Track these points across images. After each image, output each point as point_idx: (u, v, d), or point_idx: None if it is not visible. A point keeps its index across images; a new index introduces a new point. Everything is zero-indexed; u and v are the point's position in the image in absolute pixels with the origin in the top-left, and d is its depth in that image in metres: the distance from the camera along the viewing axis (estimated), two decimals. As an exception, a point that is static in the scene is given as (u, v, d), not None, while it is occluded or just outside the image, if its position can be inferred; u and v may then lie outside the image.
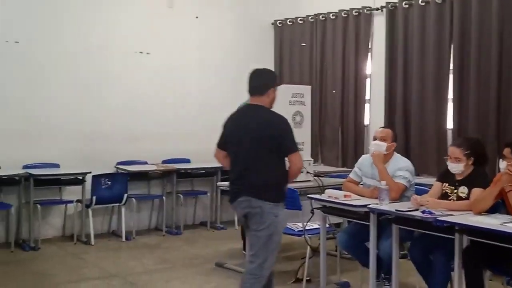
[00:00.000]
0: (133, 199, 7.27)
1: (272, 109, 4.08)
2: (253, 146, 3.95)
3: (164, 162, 7.83)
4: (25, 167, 6.78)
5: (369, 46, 7.65)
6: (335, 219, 5.24)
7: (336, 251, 5.77)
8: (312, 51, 8.26)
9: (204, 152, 8.05)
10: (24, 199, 6.72)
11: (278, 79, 4.35)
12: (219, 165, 7.56)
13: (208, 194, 8.01)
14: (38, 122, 6.98)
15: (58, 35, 7.14)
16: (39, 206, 6.66)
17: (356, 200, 4.64)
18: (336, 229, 5.67)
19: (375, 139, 4.97)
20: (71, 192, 7.07)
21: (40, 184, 6.65)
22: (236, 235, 7.11)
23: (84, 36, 7.31)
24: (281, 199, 3.97)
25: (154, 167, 7.57)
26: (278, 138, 3.92)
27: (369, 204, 4.42)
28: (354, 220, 4.80)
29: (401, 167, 4.83)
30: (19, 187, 6.66)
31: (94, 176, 6.82)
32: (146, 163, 7.71)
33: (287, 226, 5.35)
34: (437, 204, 4.20)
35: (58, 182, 6.97)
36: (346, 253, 5.60)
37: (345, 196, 4.64)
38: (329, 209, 4.78)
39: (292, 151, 3.94)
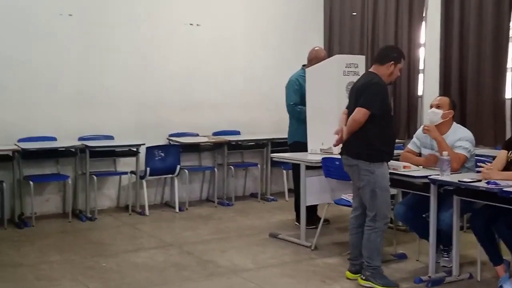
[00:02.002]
0: (186, 171, 7.32)
1: (381, 78, 4.36)
2: (351, 107, 4.39)
3: (215, 134, 7.86)
4: (81, 139, 6.89)
5: (423, 14, 7.44)
6: (390, 190, 5.16)
7: (391, 222, 5.72)
8: (363, 20, 8.10)
9: (253, 123, 8.17)
10: (80, 171, 6.85)
11: (402, 59, 4.52)
12: (269, 136, 7.75)
13: (258, 165, 8.01)
14: (92, 94, 7.07)
15: (111, 7, 7.18)
16: (94, 177, 6.77)
17: (416, 171, 4.56)
18: (392, 200, 5.60)
19: (431, 107, 4.85)
20: (125, 164, 7.19)
21: (95, 156, 6.77)
22: (287, 207, 7.15)
23: (136, 6, 7.34)
24: (376, 158, 4.28)
25: (205, 139, 7.60)
26: (361, 96, 4.26)
27: (430, 175, 4.33)
28: (412, 192, 4.74)
29: (461, 137, 4.72)
30: (75, 158, 6.80)
31: (147, 148, 6.88)
32: (197, 135, 7.76)
33: (342, 197, 5.35)
34: (498, 175, 4.08)
35: (113, 153, 7.07)
36: (401, 225, 5.59)
37: (404, 167, 4.58)
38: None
39: (359, 105, 4.26)
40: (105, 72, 7.15)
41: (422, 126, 5.00)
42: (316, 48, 6.36)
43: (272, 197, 7.88)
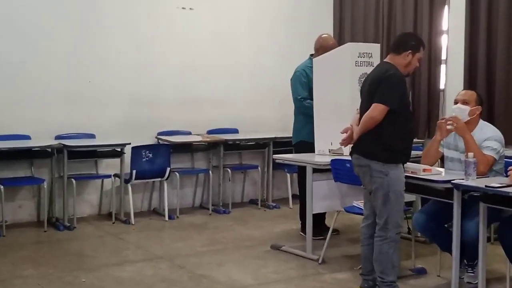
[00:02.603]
0: (176, 174, 7.33)
1: (397, 69, 4.37)
2: (364, 103, 4.43)
3: (210, 132, 7.88)
4: (58, 137, 6.91)
5: (446, -2, 7.47)
6: (408, 197, 5.18)
7: (409, 233, 5.74)
8: (378, 5, 8.11)
9: (253, 121, 8.19)
10: (57, 173, 6.86)
11: (421, 48, 4.53)
12: (271, 135, 7.77)
13: (259, 168, 8.03)
14: (71, 88, 7.09)
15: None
16: (73, 181, 6.78)
17: (437, 175, 4.57)
18: (409, 208, 5.63)
19: (456, 102, 4.85)
20: (109, 166, 7.22)
21: (75, 157, 6.77)
22: (291, 215, 7.18)
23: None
24: (391, 158, 4.30)
25: (199, 138, 7.61)
26: (376, 90, 4.28)
27: (453, 180, 4.33)
28: (433, 198, 4.75)
29: (488, 136, 4.72)
30: (51, 159, 6.80)
31: (133, 148, 6.89)
32: (189, 133, 7.78)
33: (354, 204, 5.36)
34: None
35: (94, 154, 7.08)
36: (420, 236, 5.61)
37: (424, 170, 4.57)
38: (405, 184, 4.70)
39: (375, 101, 4.27)
40: (89, 64, 7.18)
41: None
42: (323, 36, 6.36)
43: (274, 204, 7.90)
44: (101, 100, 7.24)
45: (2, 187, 6.36)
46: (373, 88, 4.36)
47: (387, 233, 4.38)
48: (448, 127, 4.75)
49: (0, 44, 6.68)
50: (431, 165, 4.83)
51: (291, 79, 6.31)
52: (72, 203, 6.79)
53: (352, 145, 4.59)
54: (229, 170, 7.74)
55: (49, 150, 6.69)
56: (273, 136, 7.82)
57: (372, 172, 4.37)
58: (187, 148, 7.70)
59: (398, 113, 4.31)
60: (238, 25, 8.14)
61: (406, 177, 4.48)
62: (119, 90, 7.36)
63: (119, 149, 6.96)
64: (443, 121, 4.79)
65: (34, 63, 6.87)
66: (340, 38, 8.28)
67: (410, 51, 4.43)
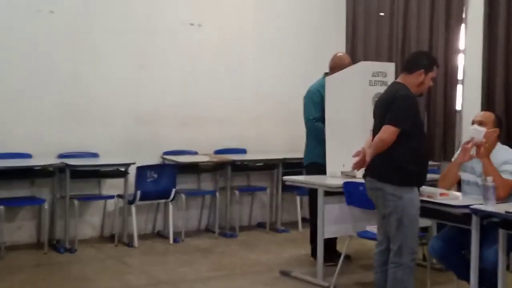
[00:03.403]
0: (182, 195, 7.31)
1: (408, 89, 4.38)
2: (376, 124, 4.45)
3: (217, 152, 7.87)
4: (60, 156, 6.92)
5: (463, 15, 7.46)
6: (423, 222, 5.14)
7: (424, 260, 5.70)
8: (393, 22, 8.12)
9: (263, 141, 8.19)
10: (59, 194, 6.86)
11: (435, 67, 4.52)
12: (280, 156, 7.76)
13: (267, 190, 8.00)
14: (74, 105, 7.10)
15: (100, 5, 7.24)
16: (75, 201, 6.77)
17: (455, 200, 4.54)
18: (425, 233, 5.59)
19: (473, 123, 4.84)
20: (112, 186, 7.21)
21: (77, 176, 6.76)
22: (301, 239, 7.16)
23: (131, 5, 7.42)
24: (405, 181, 4.29)
25: (206, 158, 7.61)
26: (387, 111, 4.29)
27: (471, 205, 4.30)
28: (450, 224, 4.71)
29: (507, 159, 4.70)
30: (53, 179, 6.80)
31: (138, 168, 6.89)
32: (196, 153, 7.77)
33: (367, 229, 5.33)
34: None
35: (97, 174, 7.09)
36: (436, 262, 5.56)
37: (441, 194, 4.55)
38: (421, 209, 4.68)
39: (386, 123, 4.27)
40: (92, 81, 7.20)
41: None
42: (338, 54, 6.39)
43: (283, 228, 7.87)
44: (104, 118, 7.25)
45: (1, 207, 6.35)
46: (384, 109, 4.37)
47: (401, 259, 4.35)
48: (472, 152, 4.73)
49: (1, 62, 6.70)
50: (449, 189, 4.80)
51: (304, 98, 6.30)
52: (73, 225, 6.77)
53: (364, 168, 4.57)
54: (237, 192, 7.72)
55: (51, 169, 6.69)
56: (282, 157, 7.80)
57: (386, 195, 4.35)
58: (193, 169, 7.69)
59: (411, 134, 4.30)
60: (244, 42, 8.17)
61: (422, 201, 4.45)
62: (123, 108, 7.38)
63: (123, 169, 6.96)
64: (468, 145, 4.75)
65: (35, 80, 6.89)
66: (352, 56, 8.21)
67: (422, 70, 4.43)
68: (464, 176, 4.89)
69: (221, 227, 7.62)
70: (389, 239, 4.44)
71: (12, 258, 6.28)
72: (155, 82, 7.56)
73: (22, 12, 6.80)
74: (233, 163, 7.58)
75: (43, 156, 6.80)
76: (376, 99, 5.70)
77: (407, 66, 4.54)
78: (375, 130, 4.45)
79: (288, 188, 7.48)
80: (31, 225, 6.93)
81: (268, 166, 7.99)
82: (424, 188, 4.54)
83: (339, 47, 8.28)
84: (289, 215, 8.15)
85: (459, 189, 5.04)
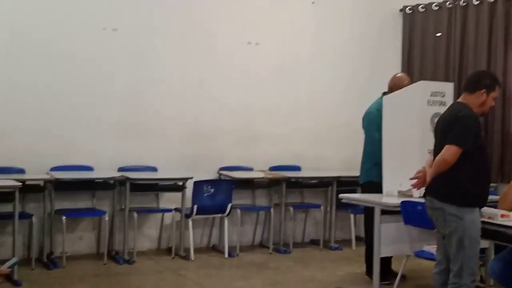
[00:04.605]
0: (238, 210, 7.32)
1: (471, 109, 4.33)
2: (438, 144, 4.41)
3: (272, 169, 7.87)
4: (120, 169, 7.00)
5: (522, 37, 7.34)
6: (482, 243, 5.03)
7: (482, 281, 5.57)
8: (450, 43, 8.02)
9: (318, 159, 8.14)
10: (119, 206, 6.95)
11: (497, 86, 4.48)
12: (334, 173, 7.70)
13: (322, 207, 7.96)
14: (134, 121, 7.20)
15: (161, 23, 7.33)
16: (135, 214, 6.85)
17: (517, 222, 4.44)
18: (483, 255, 5.46)
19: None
20: (169, 200, 7.26)
21: (136, 190, 6.86)
22: (354, 257, 7.09)
23: (191, 24, 7.46)
24: (467, 202, 4.25)
25: (261, 174, 7.61)
26: (449, 131, 4.25)
27: (534, 227, 4.20)
28: (511, 245, 4.60)
29: None
30: (113, 192, 6.90)
31: (195, 183, 6.93)
32: (251, 169, 7.78)
33: (425, 249, 5.24)
34: None
35: (156, 187, 7.16)
36: (493, 284, 5.43)
37: (502, 215, 4.45)
38: (481, 230, 4.58)
39: (448, 142, 4.23)
40: (153, 97, 7.29)
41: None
42: (398, 75, 6.35)
43: (336, 245, 7.79)
44: (163, 133, 7.33)
45: (64, 217, 6.46)
46: (446, 129, 4.32)
47: (461, 281, 4.27)
48: None
49: (64, 79, 6.84)
50: (509, 210, 4.69)
51: (363, 119, 6.24)
52: (132, 237, 6.85)
53: (425, 187, 4.50)
54: (291, 208, 7.69)
55: (112, 182, 6.79)
56: (337, 175, 7.74)
57: (446, 215, 4.29)
58: (248, 185, 7.69)
59: (473, 154, 4.24)
60: (300, 61, 8.14)
61: (483, 222, 4.37)
62: (181, 124, 7.44)
63: (180, 183, 7.01)
64: None
65: (96, 96, 7.01)
66: (408, 75, 8.18)
67: (484, 90, 4.38)
68: (525, 198, 4.77)
69: (275, 243, 7.59)
70: (449, 259, 4.36)
71: (72, 267, 6.37)
72: (213, 99, 7.60)
73: (87, 30, 6.93)
74: (287, 180, 7.56)
75: (104, 170, 6.91)
76: (435, 118, 5.64)
77: (468, 85, 4.48)
78: (436, 150, 4.39)
79: (342, 206, 7.41)
80: (91, 236, 7.03)
81: (322, 183, 7.94)
82: (484, 209, 4.45)
83: (396, 67, 8.22)
84: (342, 233, 8.08)
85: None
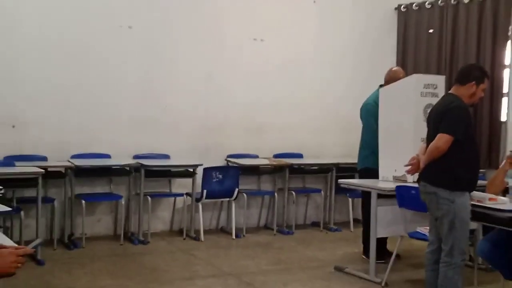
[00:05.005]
0: (244, 195, 7.33)
1: (461, 100, 4.33)
2: (430, 133, 4.40)
3: (276, 156, 7.87)
4: (136, 157, 7.02)
5: (509, 33, 7.29)
6: (470, 225, 5.03)
7: (470, 260, 5.58)
8: (441, 39, 7.98)
9: (317, 146, 8.14)
10: (134, 191, 6.97)
11: (486, 79, 4.47)
12: (334, 160, 7.71)
13: (322, 192, 7.96)
14: (150, 113, 7.20)
15: (174, 22, 7.31)
16: (149, 198, 6.87)
17: (503, 204, 4.44)
18: (472, 236, 5.46)
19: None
20: (181, 185, 7.29)
21: (150, 176, 6.87)
22: (352, 238, 7.12)
23: (201, 22, 7.45)
24: (458, 186, 4.24)
25: (266, 161, 7.62)
26: (441, 121, 4.24)
27: (519, 210, 4.20)
28: (498, 227, 4.60)
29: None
30: (129, 178, 6.92)
31: (205, 169, 6.94)
32: (257, 157, 7.79)
33: (418, 230, 5.25)
34: None
35: (169, 174, 7.17)
36: (482, 263, 5.45)
37: (490, 199, 4.46)
38: (471, 213, 4.58)
39: (441, 131, 4.23)
40: (165, 91, 7.28)
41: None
42: (394, 69, 6.37)
43: (335, 227, 7.80)
44: (175, 124, 7.33)
45: (83, 202, 6.49)
46: (438, 119, 4.32)
47: (452, 259, 4.29)
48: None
49: (83, 75, 6.84)
50: (496, 195, 4.69)
51: (361, 110, 6.23)
52: (146, 219, 6.87)
53: (418, 173, 4.51)
54: (293, 193, 7.70)
55: (127, 168, 6.81)
56: (336, 161, 7.75)
57: (439, 199, 4.30)
58: (254, 171, 7.70)
59: (463, 142, 4.25)
60: (304, 56, 8.12)
61: (472, 205, 4.37)
62: (192, 115, 7.44)
63: (191, 170, 7.02)
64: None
65: (113, 90, 7.00)
66: (402, 69, 8.17)
67: (474, 82, 4.37)
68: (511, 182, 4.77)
69: (279, 225, 7.62)
70: (441, 239, 4.37)
71: (91, 248, 6.40)
72: (222, 93, 7.59)
73: (104, 27, 6.93)
74: (290, 167, 7.57)
75: (121, 157, 6.92)
76: (428, 109, 5.65)
77: (459, 78, 4.48)
78: (429, 139, 4.39)
79: (341, 191, 7.42)
80: (109, 219, 7.06)
81: (323, 170, 7.95)
82: (473, 193, 4.46)
83: (392, 61, 8.20)
84: (341, 216, 8.10)
85: (504, 195, 4.92)
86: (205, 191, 6.94)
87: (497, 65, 7.35)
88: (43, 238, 6.33)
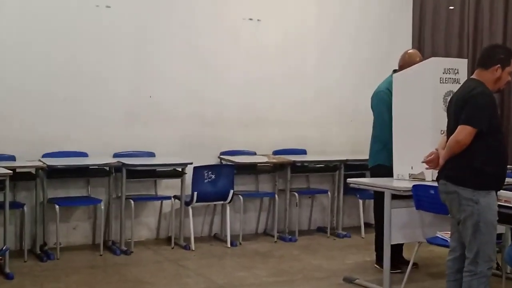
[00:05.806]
0: (240, 197, 7.33)
1: (485, 86, 4.31)
2: (450, 124, 4.39)
3: (276, 153, 7.87)
4: (116, 155, 7.01)
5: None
6: (498, 228, 5.03)
7: (498, 269, 5.57)
8: (463, 17, 7.98)
9: (322, 142, 8.13)
10: (115, 194, 6.96)
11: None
12: (342, 157, 7.70)
13: (329, 193, 7.96)
14: (130, 105, 7.21)
15: (164, 5, 7.32)
16: (132, 202, 6.85)
17: (535, 205, 4.43)
18: (500, 241, 5.46)
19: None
20: (168, 187, 7.29)
21: (133, 176, 6.86)
22: (363, 245, 7.14)
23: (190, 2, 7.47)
24: (483, 184, 4.21)
25: (264, 159, 7.61)
26: (462, 111, 4.23)
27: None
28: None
29: None
30: (109, 179, 6.90)
31: (195, 168, 6.92)
32: (254, 154, 7.79)
33: (437, 235, 5.25)
34: None
35: (154, 174, 7.17)
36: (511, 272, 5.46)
37: (519, 199, 4.44)
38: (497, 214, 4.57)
39: (462, 123, 4.21)
40: (150, 79, 7.29)
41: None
42: (409, 51, 6.31)
43: (344, 233, 7.81)
44: (161, 117, 7.33)
45: (57, 206, 6.47)
46: (459, 108, 4.30)
47: (477, 268, 4.26)
48: None
49: (62, 63, 6.84)
50: (527, 194, 4.68)
51: (372, 98, 6.21)
52: (129, 226, 6.86)
53: (437, 170, 4.49)
54: (296, 194, 7.69)
55: (107, 168, 6.79)
56: (344, 158, 7.74)
57: (461, 199, 4.27)
58: (251, 170, 7.70)
59: (488, 134, 4.23)
60: (305, 40, 8.13)
61: (499, 206, 4.36)
62: (180, 107, 7.45)
63: (180, 169, 7.01)
64: None
65: (93, 80, 7.01)
66: (419, 52, 8.16)
67: (499, 65, 4.35)
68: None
69: (280, 231, 7.61)
70: (463, 246, 4.36)
71: (67, 259, 6.38)
72: (214, 82, 7.60)
73: (79, 6, 6.91)
74: (292, 164, 7.55)
75: (99, 156, 6.91)
76: (448, 97, 5.62)
77: (482, 61, 4.45)
78: (449, 131, 4.38)
79: (350, 191, 7.42)
80: (87, 226, 7.06)
81: (329, 167, 7.95)
82: (501, 192, 4.44)
83: (405, 45, 8.17)
84: (351, 220, 8.12)
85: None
86: (195, 193, 6.91)
87: (526, 46, 7.35)
88: (12, 249, 6.29)
